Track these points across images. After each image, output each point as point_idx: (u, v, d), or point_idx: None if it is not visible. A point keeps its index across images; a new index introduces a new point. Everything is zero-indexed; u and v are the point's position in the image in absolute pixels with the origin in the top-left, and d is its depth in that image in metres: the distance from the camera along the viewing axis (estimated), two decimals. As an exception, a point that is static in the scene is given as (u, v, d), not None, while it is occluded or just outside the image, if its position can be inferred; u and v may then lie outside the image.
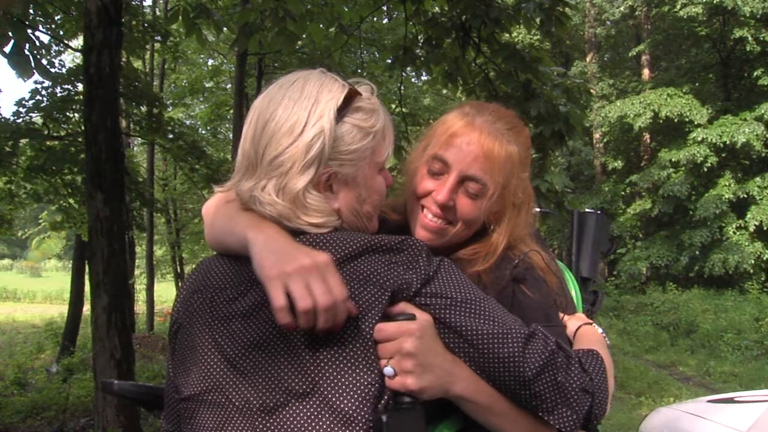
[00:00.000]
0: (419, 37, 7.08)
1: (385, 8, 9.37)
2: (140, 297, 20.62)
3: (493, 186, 1.42)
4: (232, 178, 1.30)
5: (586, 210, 1.84)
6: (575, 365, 1.23)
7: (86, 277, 7.47)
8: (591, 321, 1.55)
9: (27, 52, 5.11)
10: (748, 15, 18.90)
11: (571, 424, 1.21)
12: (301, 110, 1.21)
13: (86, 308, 9.15)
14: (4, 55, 5.06)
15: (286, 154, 1.20)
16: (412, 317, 1.16)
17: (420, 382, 1.15)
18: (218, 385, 1.22)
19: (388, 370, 1.14)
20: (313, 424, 1.13)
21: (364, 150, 1.27)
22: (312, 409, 1.13)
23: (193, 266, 1.40)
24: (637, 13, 24.49)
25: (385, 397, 1.15)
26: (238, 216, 1.28)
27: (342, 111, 1.24)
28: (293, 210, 1.22)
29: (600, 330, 1.52)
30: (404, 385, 1.14)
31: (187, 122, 19.61)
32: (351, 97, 1.25)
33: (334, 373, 1.14)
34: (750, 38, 19.26)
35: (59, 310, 17.06)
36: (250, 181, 1.24)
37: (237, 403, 1.19)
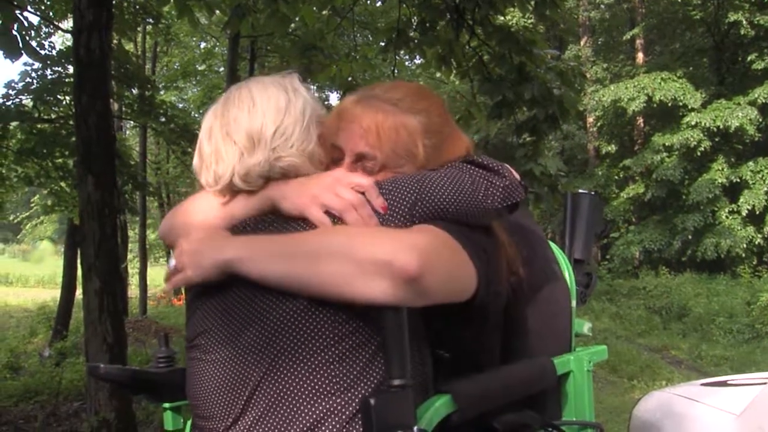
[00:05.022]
0: (413, 20, 7.02)
1: (378, -10, 9.29)
2: (133, 281, 20.55)
3: (384, 158, 1.36)
4: (216, 173, 1.36)
5: (580, 191, 1.81)
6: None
7: (79, 261, 7.44)
8: None
9: (15, 33, 5.03)
10: (742, -1, 18.88)
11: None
12: (277, 92, 1.37)
13: (79, 292, 9.11)
14: (-8, 35, 4.99)
15: (284, 124, 1.33)
16: None
17: (196, 270, 1.26)
18: (206, 330, 1.31)
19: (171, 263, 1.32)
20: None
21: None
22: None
23: None
24: (631, -4, 24.41)
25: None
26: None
27: None
28: (306, 162, 1.35)
29: None
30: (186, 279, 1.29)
31: (180, 105, 19.48)
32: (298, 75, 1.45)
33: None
34: (744, 22, 19.18)
35: (52, 295, 16.97)
36: (256, 156, 1.32)
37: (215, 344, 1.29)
